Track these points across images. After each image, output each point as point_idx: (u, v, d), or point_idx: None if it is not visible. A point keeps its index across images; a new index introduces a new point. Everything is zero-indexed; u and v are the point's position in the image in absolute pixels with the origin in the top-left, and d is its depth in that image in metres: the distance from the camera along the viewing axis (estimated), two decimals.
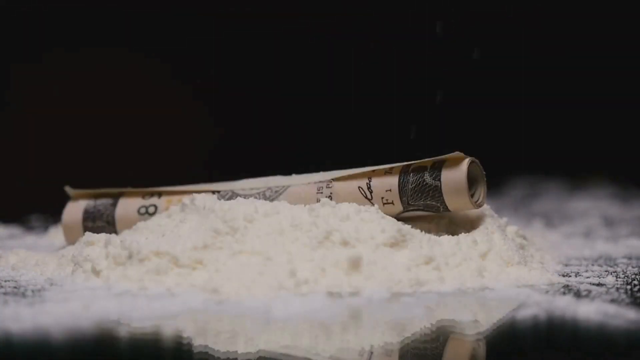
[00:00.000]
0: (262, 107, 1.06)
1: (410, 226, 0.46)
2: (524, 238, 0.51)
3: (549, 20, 1.11)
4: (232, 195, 0.49)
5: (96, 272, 0.45)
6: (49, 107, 0.94)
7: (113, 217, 0.52)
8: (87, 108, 0.95)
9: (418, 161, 0.47)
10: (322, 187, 0.48)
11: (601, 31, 1.09)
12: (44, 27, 0.94)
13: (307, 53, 1.06)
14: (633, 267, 0.50)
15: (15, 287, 0.45)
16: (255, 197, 0.49)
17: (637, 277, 0.47)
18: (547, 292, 0.43)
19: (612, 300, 0.41)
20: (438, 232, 0.47)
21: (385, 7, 1.07)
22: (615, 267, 0.51)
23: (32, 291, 0.44)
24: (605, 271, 0.49)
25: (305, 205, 0.47)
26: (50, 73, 0.94)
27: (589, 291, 0.43)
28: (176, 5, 0.99)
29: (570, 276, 0.47)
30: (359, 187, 0.47)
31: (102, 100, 0.96)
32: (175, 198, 0.51)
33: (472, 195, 0.46)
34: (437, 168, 0.46)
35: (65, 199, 0.54)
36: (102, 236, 0.48)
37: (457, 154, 0.45)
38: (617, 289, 0.44)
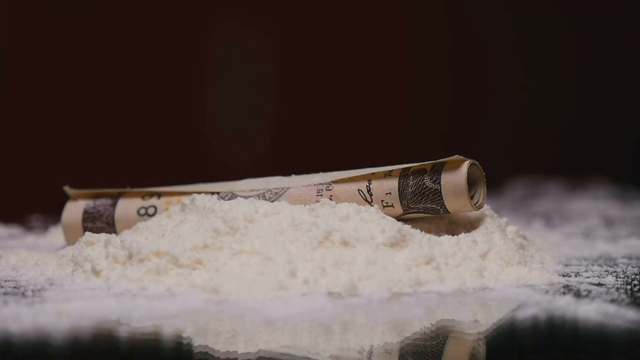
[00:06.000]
0: (262, 107, 1.05)
1: (410, 226, 0.46)
2: (524, 238, 0.51)
3: (548, 21, 1.11)
4: (232, 197, 0.49)
5: (96, 272, 0.45)
6: (49, 106, 0.94)
7: (112, 218, 0.52)
8: (87, 108, 0.95)
9: (418, 164, 0.46)
10: (322, 190, 0.48)
11: (601, 31, 1.08)
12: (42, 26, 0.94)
13: (307, 54, 1.06)
14: (633, 267, 0.50)
15: (15, 287, 0.45)
16: (255, 199, 0.49)
17: (637, 277, 0.47)
18: (547, 292, 0.43)
19: (612, 300, 0.41)
20: (438, 232, 0.47)
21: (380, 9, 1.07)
22: (615, 267, 0.51)
23: (32, 291, 0.44)
24: (605, 271, 0.49)
25: (305, 205, 0.47)
26: (48, 72, 0.94)
27: (589, 291, 0.43)
28: (175, 5, 0.99)
29: (570, 276, 0.47)
30: (358, 189, 0.47)
31: (102, 100, 0.96)
32: (174, 199, 0.51)
33: (472, 197, 0.46)
34: (436, 171, 0.46)
35: (65, 199, 0.54)
36: (102, 236, 0.48)
37: (456, 157, 0.45)
38: (617, 289, 0.44)
